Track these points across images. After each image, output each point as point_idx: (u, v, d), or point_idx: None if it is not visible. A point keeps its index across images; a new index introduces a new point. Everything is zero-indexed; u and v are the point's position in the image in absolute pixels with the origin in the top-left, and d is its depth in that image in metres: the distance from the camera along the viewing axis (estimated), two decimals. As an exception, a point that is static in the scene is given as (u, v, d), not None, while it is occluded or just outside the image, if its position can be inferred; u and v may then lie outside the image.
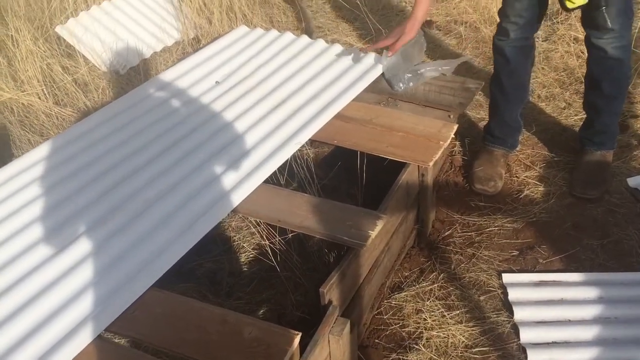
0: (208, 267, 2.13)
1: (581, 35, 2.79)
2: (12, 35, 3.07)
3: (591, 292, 1.90)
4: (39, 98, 2.87)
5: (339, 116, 2.20)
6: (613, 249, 2.05)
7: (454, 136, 2.13)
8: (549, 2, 2.17)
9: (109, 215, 1.79)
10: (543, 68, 2.92)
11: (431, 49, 3.20)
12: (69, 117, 2.81)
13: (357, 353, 1.77)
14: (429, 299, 1.95)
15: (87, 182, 1.94)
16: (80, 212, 1.81)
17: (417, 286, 1.99)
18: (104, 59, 3.12)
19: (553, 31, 3.18)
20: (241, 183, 1.89)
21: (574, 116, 2.63)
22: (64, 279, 1.60)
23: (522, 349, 1.77)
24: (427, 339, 1.82)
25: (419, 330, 1.86)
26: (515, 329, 1.82)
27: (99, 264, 1.64)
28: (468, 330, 1.84)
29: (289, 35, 2.65)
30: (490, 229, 2.16)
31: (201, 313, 1.52)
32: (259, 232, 2.03)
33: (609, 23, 2.01)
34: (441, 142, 2.04)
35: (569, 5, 1.92)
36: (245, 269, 2.15)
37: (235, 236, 2.24)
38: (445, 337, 1.83)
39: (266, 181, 1.93)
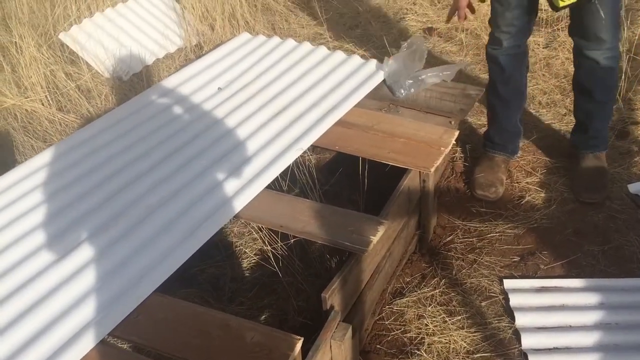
0: (210, 273, 2.14)
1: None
2: (16, 42, 3.09)
3: (592, 298, 1.90)
4: (43, 104, 2.89)
5: (340, 122, 2.21)
6: (614, 255, 2.05)
7: (455, 142, 2.14)
8: (543, 9, 2.19)
9: (111, 221, 1.80)
10: (544, 74, 2.93)
11: (432, 56, 3.21)
12: (72, 124, 2.82)
13: (359, 358, 1.78)
14: (430, 304, 1.95)
15: (90, 188, 1.95)
16: (83, 218, 1.83)
17: (419, 292, 2.00)
18: (107, 66, 3.14)
19: (554, 38, 3.19)
20: (243, 189, 1.90)
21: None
22: (67, 284, 1.61)
23: (524, 355, 1.77)
24: (428, 344, 1.83)
25: (421, 336, 1.86)
26: (516, 334, 1.82)
27: (102, 269, 1.64)
28: (469, 336, 1.84)
29: (290, 42, 2.67)
30: (492, 234, 2.17)
31: (203, 318, 1.53)
32: (261, 237, 2.04)
33: (603, 33, 2.03)
34: (442, 148, 2.05)
35: (560, 3, 1.92)
36: (248, 275, 2.15)
37: (237, 242, 2.25)
38: (446, 342, 1.83)
39: (268, 187, 1.94)
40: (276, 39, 2.71)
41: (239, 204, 1.86)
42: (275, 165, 2.00)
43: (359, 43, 3.42)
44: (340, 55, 2.57)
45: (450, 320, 1.89)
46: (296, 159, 2.06)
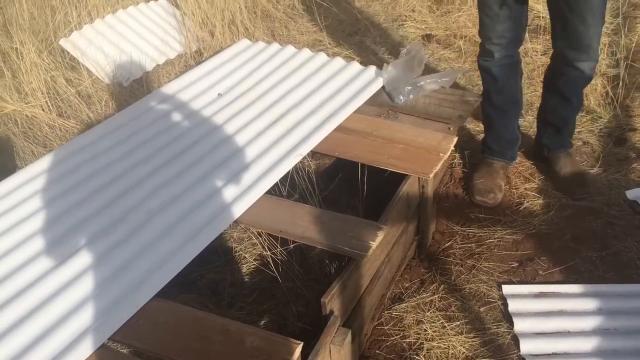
0: (210, 278, 2.14)
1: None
2: (16, 47, 3.10)
3: (590, 304, 1.91)
4: (43, 110, 2.90)
5: (340, 128, 2.22)
6: (612, 261, 2.06)
7: (453, 148, 2.15)
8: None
9: (112, 227, 1.81)
10: (542, 82, 2.94)
11: (431, 62, 3.23)
12: (72, 129, 2.83)
13: (358, 363, 1.78)
14: (429, 310, 1.96)
15: (90, 194, 1.96)
16: (84, 224, 1.83)
17: (418, 297, 2.00)
18: (107, 72, 3.15)
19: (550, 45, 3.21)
20: (243, 195, 1.91)
21: (573, 129, 2.65)
22: (67, 289, 1.61)
23: (522, 360, 1.78)
24: (427, 349, 1.83)
25: (420, 341, 1.86)
26: (515, 340, 1.83)
27: (102, 275, 1.65)
28: (468, 341, 1.85)
29: (290, 49, 2.68)
30: (490, 240, 2.18)
31: (203, 322, 1.53)
32: (260, 243, 2.05)
33: (594, 42, 2.06)
34: (441, 154, 2.06)
35: None
36: (247, 280, 2.16)
37: (237, 247, 2.26)
38: (445, 348, 1.83)
39: (268, 192, 1.95)
40: (276, 46, 2.73)
41: (238, 210, 1.86)
42: (275, 171, 2.01)
43: (358, 50, 3.44)
44: (339, 61, 2.58)
45: (449, 325, 1.90)
46: (296, 164, 2.07)
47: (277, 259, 1.98)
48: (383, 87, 2.42)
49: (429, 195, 2.11)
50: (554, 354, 1.78)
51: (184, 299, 1.99)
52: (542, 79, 2.42)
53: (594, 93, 2.79)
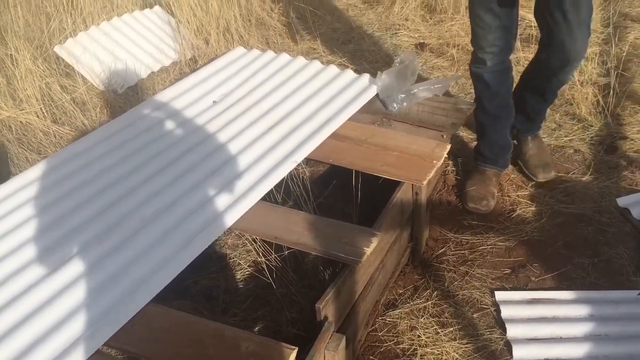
0: (204, 284, 2.14)
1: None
2: (11, 54, 3.10)
3: (582, 310, 1.93)
4: (37, 116, 2.90)
5: (334, 136, 2.24)
6: (604, 268, 2.08)
7: (447, 156, 2.17)
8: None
9: (106, 234, 1.81)
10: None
11: (424, 71, 3.26)
12: (67, 136, 2.83)
13: (352, 369, 1.79)
14: (422, 316, 1.97)
15: (84, 201, 1.96)
16: (78, 230, 1.83)
17: (411, 303, 2.01)
18: (102, 79, 3.15)
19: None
20: (238, 201, 1.92)
21: (564, 137, 2.68)
22: (61, 295, 1.61)
23: (515, 366, 1.79)
24: (421, 355, 1.84)
25: (413, 347, 1.87)
26: (508, 346, 1.84)
27: (96, 281, 1.65)
28: (461, 347, 1.86)
29: (285, 57, 2.70)
30: (483, 247, 2.19)
31: (198, 327, 1.54)
32: (255, 249, 2.05)
33: (580, 55, 2.11)
34: (434, 162, 2.07)
35: None
36: (241, 286, 2.16)
37: (231, 253, 2.26)
38: (439, 354, 1.84)
39: (263, 199, 1.96)
40: (270, 53, 2.74)
41: (232, 217, 1.87)
42: (270, 178, 2.02)
43: (352, 58, 3.46)
44: (333, 69, 2.60)
45: (442, 331, 1.91)
46: (290, 171, 2.08)
47: (272, 265, 1.98)
48: (377, 95, 2.44)
49: (423, 202, 2.12)
50: (547, 360, 1.80)
51: (178, 305, 1.99)
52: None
53: (585, 102, 2.82)
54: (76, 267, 1.69)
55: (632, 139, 2.63)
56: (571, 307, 1.94)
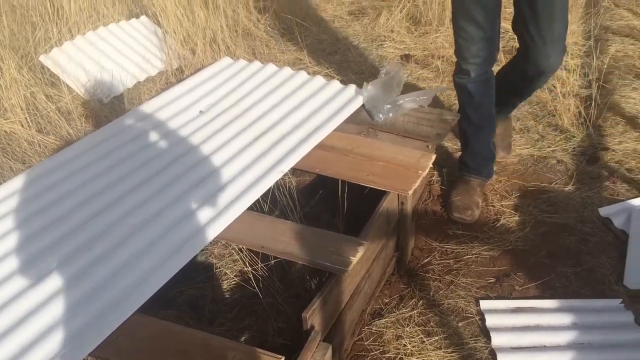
0: (190, 294, 2.14)
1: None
2: (-4, 63, 3.09)
3: (566, 319, 1.95)
4: (22, 126, 2.88)
5: (320, 146, 2.25)
6: (586, 277, 2.11)
7: (432, 166, 2.19)
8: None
9: (91, 244, 1.80)
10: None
11: (409, 82, 3.29)
12: (52, 145, 2.81)
13: (338, 379, 1.79)
14: (408, 325, 1.98)
15: (69, 210, 1.95)
16: (62, 241, 1.82)
17: (397, 312, 2.03)
18: (87, 88, 3.15)
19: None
20: (224, 211, 1.92)
21: (547, 148, 2.72)
22: (45, 307, 1.59)
23: (500, 374, 1.80)
24: (407, 364, 1.85)
25: (399, 356, 1.88)
26: (492, 354, 1.86)
27: (81, 292, 1.63)
28: (447, 356, 1.87)
29: (271, 67, 2.72)
30: (468, 256, 2.21)
31: (184, 337, 1.53)
32: (241, 258, 2.05)
33: (554, 68, 2.19)
34: (420, 172, 2.09)
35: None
36: (228, 296, 2.16)
37: (217, 263, 2.26)
38: (424, 362, 1.85)
39: (249, 208, 1.96)
40: (257, 64, 2.75)
41: (218, 227, 1.87)
42: (256, 188, 2.02)
43: (338, 69, 3.49)
44: (320, 80, 2.62)
45: (428, 340, 1.92)
46: (277, 181, 2.09)
47: (258, 274, 1.99)
48: (363, 106, 2.46)
49: (408, 212, 2.14)
50: (531, 368, 1.81)
51: (164, 315, 1.98)
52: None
53: (567, 113, 2.86)
54: (60, 277, 1.68)
55: (613, 150, 2.68)
56: (554, 316, 1.97)
